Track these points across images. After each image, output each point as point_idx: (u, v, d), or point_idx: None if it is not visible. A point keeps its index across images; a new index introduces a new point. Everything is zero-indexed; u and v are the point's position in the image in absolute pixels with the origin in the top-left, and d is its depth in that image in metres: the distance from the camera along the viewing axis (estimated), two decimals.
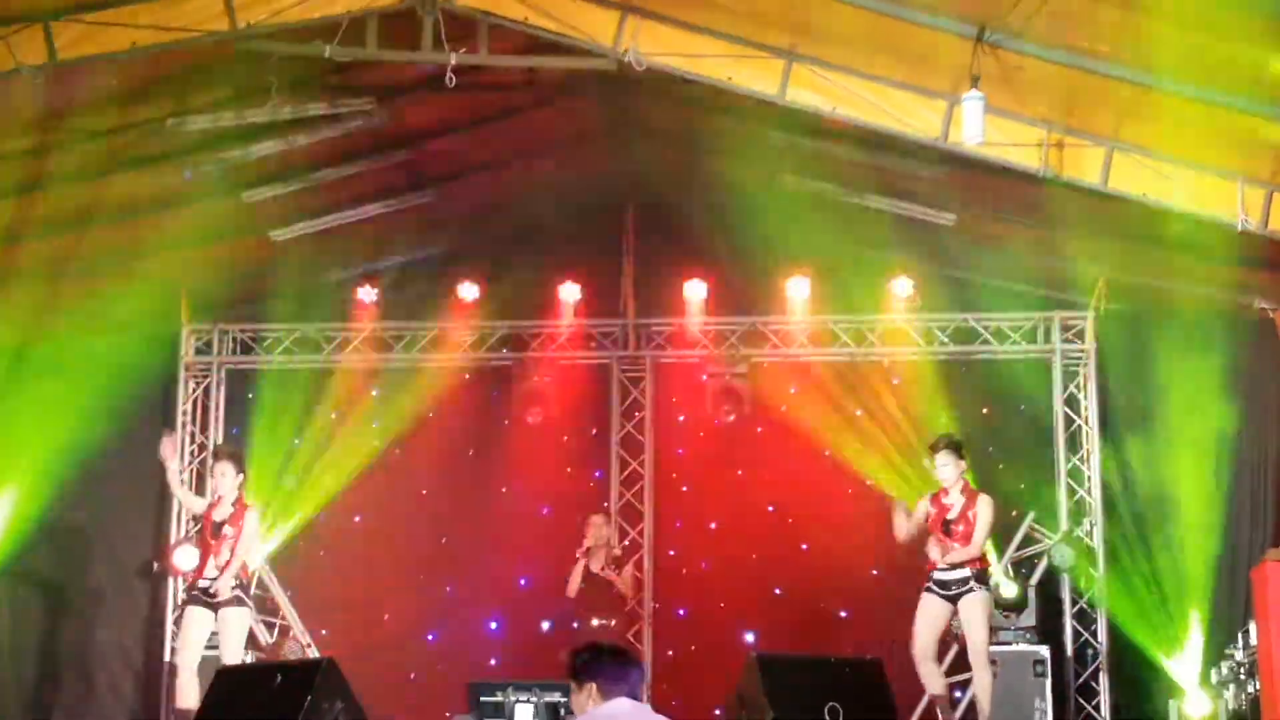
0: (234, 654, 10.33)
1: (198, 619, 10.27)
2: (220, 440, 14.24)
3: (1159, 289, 13.11)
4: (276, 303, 14.80)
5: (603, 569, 12.23)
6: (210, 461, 11.30)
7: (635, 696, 5.90)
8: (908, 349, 14.10)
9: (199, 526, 10.56)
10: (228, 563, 10.35)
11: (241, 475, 10.65)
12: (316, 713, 8.41)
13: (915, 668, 10.24)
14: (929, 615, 10.22)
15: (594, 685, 5.87)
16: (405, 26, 10.13)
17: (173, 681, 10.53)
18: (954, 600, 10.19)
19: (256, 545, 10.73)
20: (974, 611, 10.23)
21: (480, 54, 10.31)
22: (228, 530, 10.43)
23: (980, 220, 12.98)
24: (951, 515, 10.27)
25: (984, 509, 10.31)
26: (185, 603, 10.49)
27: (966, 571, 10.24)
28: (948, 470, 10.33)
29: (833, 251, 14.36)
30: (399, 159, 12.75)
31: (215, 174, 11.87)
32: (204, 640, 10.34)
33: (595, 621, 12.21)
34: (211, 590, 10.25)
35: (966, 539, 10.24)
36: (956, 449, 10.41)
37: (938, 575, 10.22)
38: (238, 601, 10.38)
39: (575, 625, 12.38)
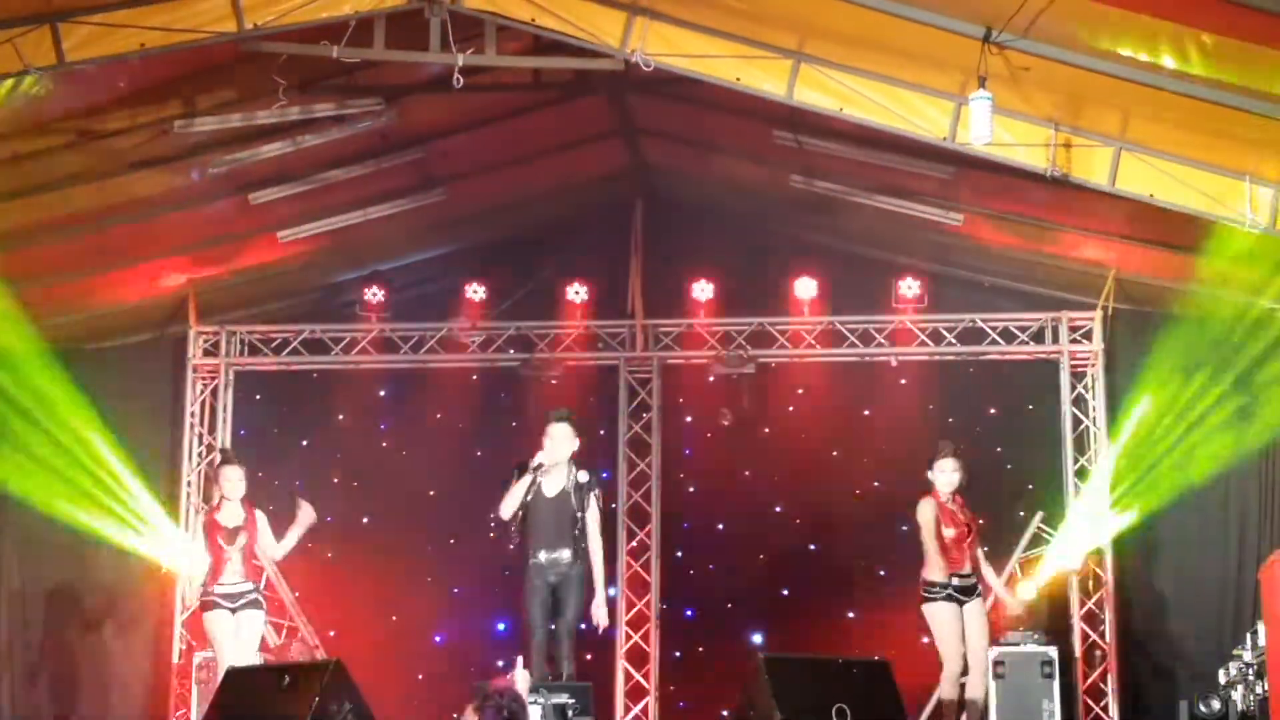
0: (250, 655, 10.38)
1: (224, 620, 10.31)
2: (228, 442, 14.25)
3: (1167, 289, 13.09)
4: (284, 304, 14.84)
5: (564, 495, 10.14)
6: (215, 465, 11.27)
7: None
8: (915, 349, 14.09)
9: (205, 531, 10.54)
10: (250, 566, 10.44)
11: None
12: (325, 713, 8.42)
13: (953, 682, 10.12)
14: (958, 628, 10.09)
15: None
16: (412, 27, 10.12)
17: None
18: (962, 605, 10.15)
19: (273, 539, 10.75)
20: (981, 616, 10.22)
21: (488, 55, 10.30)
22: (243, 536, 10.49)
23: (988, 220, 12.97)
24: (965, 519, 10.24)
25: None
26: (205, 608, 10.50)
27: (974, 578, 10.25)
28: (957, 477, 10.28)
29: (840, 252, 14.40)
30: (406, 160, 12.75)
31: (222, 175, 11.89)
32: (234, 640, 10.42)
33: (544, 555, 10.05)
34: (239, 594, 10.32)
35: (975, 544, 10.27)
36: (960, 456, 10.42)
37: (958, 582, 10.14)
38: (255, 604, 10.45)
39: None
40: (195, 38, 9.67)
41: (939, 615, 10.12)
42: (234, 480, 10.61)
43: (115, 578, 13.83)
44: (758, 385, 14.24)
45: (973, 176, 11.71)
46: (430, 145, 12.71)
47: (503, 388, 14.60)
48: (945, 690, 10.21)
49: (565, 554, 10.05)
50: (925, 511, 10.22)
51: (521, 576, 10.12)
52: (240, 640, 10.36)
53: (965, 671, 10.29)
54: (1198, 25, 8.48)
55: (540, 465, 10.05)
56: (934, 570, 10.16)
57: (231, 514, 10.54)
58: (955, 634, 10.08)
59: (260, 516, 10.69)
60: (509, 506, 10.09)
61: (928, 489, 10.37)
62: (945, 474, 10.29)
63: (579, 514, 10.09)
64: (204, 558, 10.55)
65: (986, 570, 10.44)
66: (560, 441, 10.09)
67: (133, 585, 13.86)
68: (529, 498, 10.10)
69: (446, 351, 14.47)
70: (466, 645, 14.34)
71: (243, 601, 10.40)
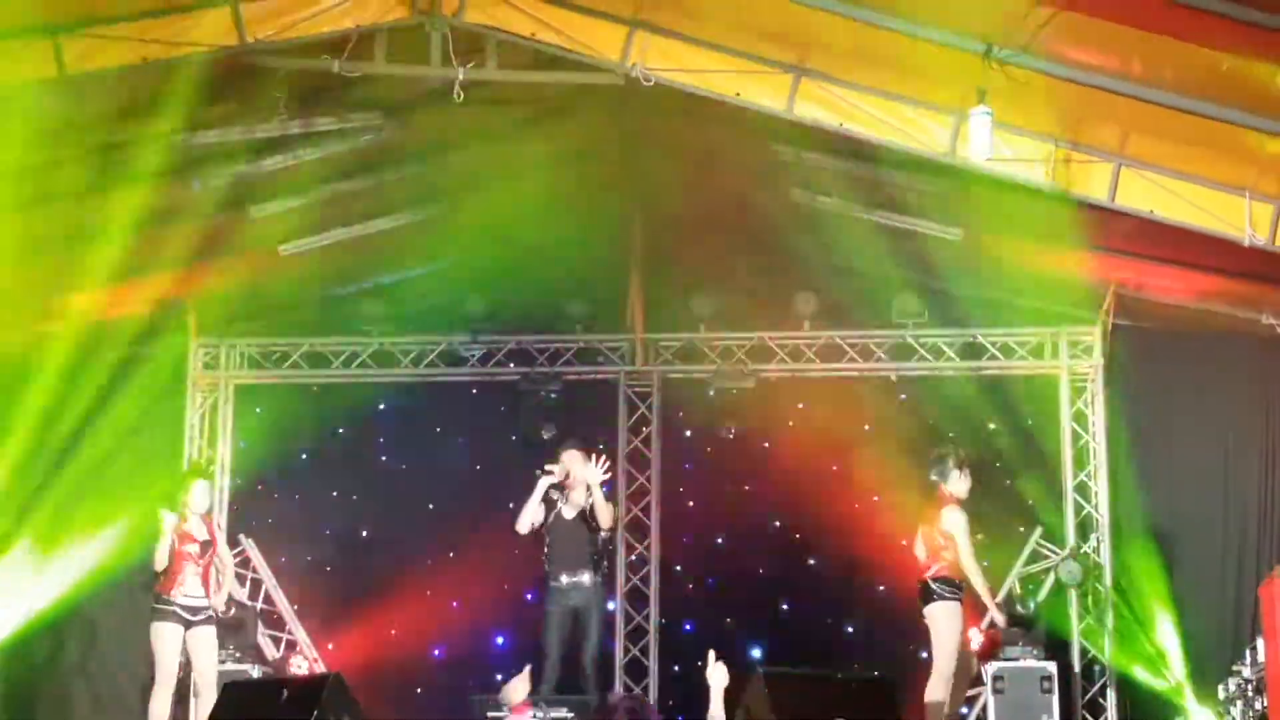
0: (214, 672, 10.31)
1: (175, 636, 10.23)
2: (228, 456, 14.26)
3: (1167, 304, 13.10)
4: (284, 317, 14.82)
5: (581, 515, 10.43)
6: (184, 476, 11.27)
7: None
8: (915, 364, 14.09)
9: (173, 544, 10.44)
10: (214, 581, 10.37)
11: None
12: None
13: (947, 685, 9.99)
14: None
15: None
16: (413, 41, 10.16)
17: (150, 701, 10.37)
18: None
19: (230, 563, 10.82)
20: None
21: (488, 69, 10.35)
22: (209, 553, 10.42)
23: (987, 235, 12.97)
24: None
25: None
26: (159, 616, 10.30)
27: None
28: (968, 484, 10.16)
29: (840, 266, 14.40)
30: (407, 173, 12.75)
31: (223, 188, 11.89)
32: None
33: (564, 579, 10.33)
34: (197, 609, 10.25)
35: None
36: None
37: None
38: (210, 620, 10.37)
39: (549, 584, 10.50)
40: (197, 51, 9.70)
41: (958, 617, 9.84)
42: (200, 494, 10.59)
43: (115, 591, 13.81)
44: (757, 399, 14.23)
45: (973, 191, 11.71)
46: (431, 159, 12.71)
47: (502, 402, 14.58)
48: (939, 692, 9.99)
49: (585, 577, 10.30)
50: (961, 519, 9.86)
51: (537, 597, 10.46)
52: (202, 658, 10.29)
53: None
54: (1197, 41, 8.51)
55: (550, 471, 10.34)
56: (958, 573, 9.82)
57: (197, 528, 10.48)
58: (960, 638, 10.00)
59: (221, 538, 10.69)
60: (523, 520, 10.33)
61: (930, 502, 10.16)
62: (968, 481, 10.10)
63: (599, 535, 10.36)
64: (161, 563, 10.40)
65: None
66: (573, 466, 10.47)
67: (132, 598, 13.83)
68: (550, 520, 10.34)
69: (446, 365, 14.47)
70: (466, 659, 14.30)
71: (200, 617, 10.30)
